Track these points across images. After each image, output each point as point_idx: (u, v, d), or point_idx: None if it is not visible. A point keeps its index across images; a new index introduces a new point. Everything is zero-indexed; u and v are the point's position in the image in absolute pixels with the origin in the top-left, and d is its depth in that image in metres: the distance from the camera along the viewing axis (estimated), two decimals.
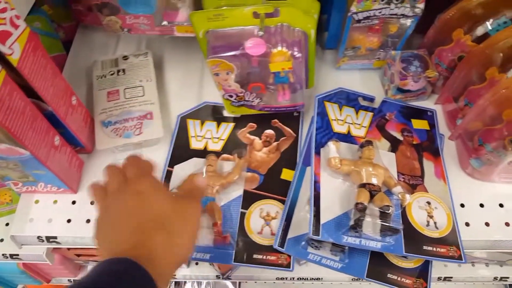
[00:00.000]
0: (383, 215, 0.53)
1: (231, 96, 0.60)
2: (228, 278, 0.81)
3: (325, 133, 0.62)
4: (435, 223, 0.56)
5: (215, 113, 0.67)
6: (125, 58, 0.68)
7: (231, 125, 0.66)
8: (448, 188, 0.59)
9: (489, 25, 0.58)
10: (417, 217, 0.56)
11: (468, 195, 0.61)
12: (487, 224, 0.58)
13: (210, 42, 0.53)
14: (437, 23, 0.63)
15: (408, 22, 0.61)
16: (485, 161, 0.58)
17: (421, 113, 0.66)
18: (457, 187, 0.61)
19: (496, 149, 0.56)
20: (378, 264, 0.56)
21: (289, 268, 0.57)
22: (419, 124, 0.65)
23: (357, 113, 0.65)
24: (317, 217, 0.54)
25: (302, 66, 0.54)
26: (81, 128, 0.61)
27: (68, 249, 0.74)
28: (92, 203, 0.61)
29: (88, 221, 0.59)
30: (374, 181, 0.55)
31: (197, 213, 0.44)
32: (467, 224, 0.58)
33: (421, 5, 0.58)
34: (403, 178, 0.59)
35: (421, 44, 0.68)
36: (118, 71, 0.67)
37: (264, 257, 0.57)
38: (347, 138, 0.62)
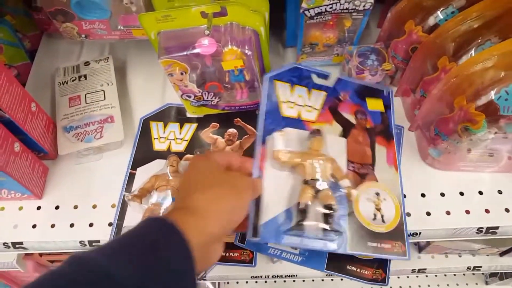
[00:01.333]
0: (327, 214, 0.50)
1: (189, 96, 0.61)
2: (203, 279, 0.81)
3: (274, 118, 0.55)
4: (382, 216, 0.53)
5: (178, 114, 0.68)
6: (87, 64, 0.69)
7: (194, 125, 0.67)
8: (399, 177, 0.57)
9: (440, 14, 0.59)
10: (364, 211, 0.52)
11: (429, 185, 0.61)
12: (447, 212, 0.59)
13: (162, 43, 0.54)
14: (390, 15, 0.63)
15: (361, 16, 0.61)
16: (443, 150, 0.59)
17: (377, 93, 0.63)
18: (418, 178, 0.62)
19: (451, 138, 0.56)
20: (337, 256, 0.56)
21: (252, 264, 0.57)
22: (374, 104, 0.62)
23: (309, 92, 0.59)
24: (258, 217, 0.48)
25: (255, 64, 0.55)
26: (42, 134, 0.62)
27: (40, 255, 0.75)
28: (57, 207, 0.61)
29: (53, 225, 0.60)
30: (318, 177, 0.51)
31: (248, 185, 0.47)
32: (428, 214, 0.59)
33: None
34: (352, 167, 0.55)
35: (378, 38, 0.69)
36: (80, 77, 0.68)
37: (227, 254, 0.58)
38: (297, 123, 0.56)
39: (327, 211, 0.49)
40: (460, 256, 0.85)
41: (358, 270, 0.55)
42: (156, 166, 0.63)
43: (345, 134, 0.58)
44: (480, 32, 0.56)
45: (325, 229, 0.49)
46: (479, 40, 0.56)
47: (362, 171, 0.56)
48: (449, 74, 0.55)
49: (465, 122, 0.53)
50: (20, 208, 0.62)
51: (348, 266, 0.55)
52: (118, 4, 0.58)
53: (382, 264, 0.56)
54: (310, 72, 0.60)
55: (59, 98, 0.66)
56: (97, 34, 0.63)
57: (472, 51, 0.57)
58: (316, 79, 0.60)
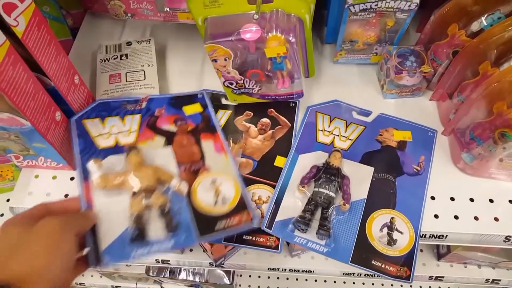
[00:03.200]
0: (164, 214, 0.54)
1: (231, 84, 0.62)
2: (221, 265, 0.81)
3: (90, 152, 0.58)
4: (223, 197, 0.57)
5: (214, 101, 0.68)
6: (129, 44, 0.70)
7: (228, 112, 0.68)
8: (229, 159, 0.61)
9: (484, 20, 0.59)
10: (205, 200, 0.56)
11: (459, 189, 0.61)
12: (476, 218, 0.59)
13: (208, 28, 0.55)
14: (433, 18, 0.64)
15: (404, 16, 0.62)
16: (476, 156, 0.59)
17: (192, 98, 0.67)
18: (448, 181, 0.62)
19: (486, 143, 0.56)
20: (363, 250, 0.56)
21: (277, 250, 0.58)
22: (191, 109, 0.66)
23: (123, 120, 0.62)
24: (96, 246, 0.50)
25: (297, 52, 0.56)
26: (82, 107, 0.63)
27: None
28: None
29: None
30: (143, 183, 0.55)
31: (59, 224, 0.44)
32: (456, 217, 0.59)
33: (417, 1, 0.59)
34: (184, 167, 0.59)
35: (419, 40, 0.69)
36: (121, 56, 0.69)
37: (254, 238, 0.58)
38: (116, 150, 0.59)
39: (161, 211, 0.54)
40: (479, 268, 0.85)
41: (383, 266, 0.56)
42: None
43: (169, 143, 0.62)
44: None
45: (167, 228, 0.53)
46: None
47: (194, 168, 0.59)
48: (490, 79, 0.55)
49: (504, 127, 0.53)
50: (54, 177, 0.63)
51: (373, 260, 0.56)
52: None
53: (408, 261, 0.56)
54: (119, 103, 0.64)
55: (100, 75, 0.68)
56: (143, 14, 0.65)
57: None
58: (128, 106, 0.64)
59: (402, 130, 0.66)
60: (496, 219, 0.59)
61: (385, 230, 0.58)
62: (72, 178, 0.63)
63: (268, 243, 0.58)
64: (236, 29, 0.54)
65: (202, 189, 0.57)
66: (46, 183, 0.63)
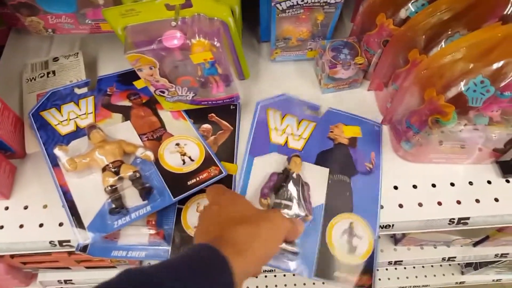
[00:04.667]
0: (135, 182, 0.56)
1: (163, 92, 0.60)
2: None
3: (55, 141, 0.60)
4: (189, 157, 0.60)
5: None
6: (56, 59, 0.67)
7: None
8: (188, 123, 0.63)
9: (411, 7, 0.59)
10: (172, 162, 0.59)
11: (402, 177, 0.62)
12: (420, 204, 0.59)
13: (129, 37, 0.52)
14: (362, 9, 0.63)
15: (332, 9, 0.61)
16: (414, 143, 0.59)
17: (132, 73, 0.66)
18: (390, 170, 0.62)
19: (422, 130, 0.57)
20: (325, 261, 0.56)
21: None
22: (141, 83, 0.66)
23: (77, 104, 0.64)
24: (80, 223, 0.54)
25: (225, 56, 0.54)
26: (9, 132, 0.60)
27: (12, 257, 0.73)
28: (25, 207, 0.60)
29: (21, 226, 0.58)
30: (110, 159, 0.57)
31: (282, 221, 0.47)
32: (400, 206, 0.59)
33: None
34: (146, 137, 0.61)
35: (352, 32, 0.69)
36: (48, 73, 0.66)
37: None
38: (77, 134, 0.61)
39: (132, 178, 0.56)
40: (435, 248, 0.86)
41: (345, 276, 0.56)
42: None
43: (127, 118, 0.63)
44: (449, 24, 0.56)
45: (140, 191, 0.56)
46: (449, 32, 0.56)
47: (156, 135, 0.62)
48: (419, 67, 0.55)
49: (436, 114, 0.54)
50: None
51: (335, 272, 0.56)
52: None
53: (368, 268, 0.56)
54: (69, 89, 0.65)
55: (27, 95, 0.64)
56: (64, 29, 0.62)
57: (442, 43, 0.57)
58: (79, 90, 0.65)
59: (351, 125, 0.65)
60: (439, 203, 0.60)
61: (345, 236, 0.57)
62: (6, 208, 0.60)
63: None
64: (158, 36, 0.52)
65: (168, 152, 0.60)
66: None
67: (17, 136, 0.62)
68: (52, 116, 0.61)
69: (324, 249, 0.56)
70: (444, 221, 0.59)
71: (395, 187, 0.61)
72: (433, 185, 0.61)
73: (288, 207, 0.56)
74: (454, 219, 0.59)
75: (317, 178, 0.60)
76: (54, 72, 0.66)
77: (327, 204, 0.59)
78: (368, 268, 0.56)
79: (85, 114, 0.62)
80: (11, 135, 0.60)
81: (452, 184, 0.61)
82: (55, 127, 0.60)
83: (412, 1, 0.58)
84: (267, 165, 0.61)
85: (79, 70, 0.66)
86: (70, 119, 0.61)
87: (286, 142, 0.64)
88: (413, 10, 0.59)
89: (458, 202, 0.59)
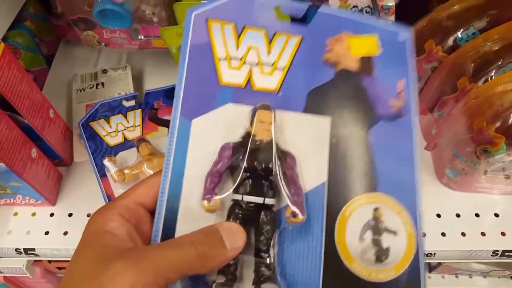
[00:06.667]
0: None
1: None
2: None
3: (103, 152, 0.62)
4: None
5: None
6: (105, 71, 0.69)
7: None
8: None
9: (460, 35, 0.59)
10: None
11: (445, 205, 0.61)
12: (463, 234, 0.59)
13: None
14: None
15: None
16: (460, 171, 0.59)
17: None
18: (433, 197, 0.61)
19: (469, 159, 0.56)
20: (338, 284, 0.33)
21: None
22: None
23: (125, 116, 0.65)
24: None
25: None
26: (59, 141, 0.62)
27: (49, 262, 0.74)
28: (70, 215, 0.61)
29: (65, 233, 0.60)
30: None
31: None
32: (443, 234, 0.58)
33: (392, 18, 0.59)
34: None
35: None
36: (97, 84, 0.68)
37: None
38: (125, 145, 0.62)
39: None
40: (470, 277, 0.85)
41: None
42: None
43: None
44: (501, 54, 0.56)
45: None
46: (500, 63, 0.56)
47: None
48: (469, 95, 0.55)
49: (485, 144, 0.53)
50: (33, 214, 0.62)
51: None
52: (140, 14, 0.58)
53: (412, 282, 0.34)
54: (118, 101, 0.65)
55: (76, 105, 0.66)
56: (117, 43, 0.64)
57: (493, 73, 0.57)
58: (126, 103, 0.66)
59: (361, 35, 0.37)
60: (483, 234, 0.59)
61: (368, 235, 0.34)
62: (52, 214, 0.61)
63: None
64: None
65: None
66: (26, 221, 0.61)
67: (65, 144, 0.64)
68: (101, 127, 0.63)
69: (333, 264, 0.33)
70: (487, 253, 0.58)
71: (438, 215, 0.60)
72: (477, 215, 0.60)
73: (256, 208, 0.33)
74: (498, 251, 0.58)
75: (309, 138, 0.36)
76: (103, 84, 0.68)
77: (332, 184, 0.35)
78: (412, 281, 0.33)
79: (132, 126, 0.64)
80: (60, 143, 0.62)
81: (497, 215, 0.60)
82: (103, 138, 0.62)
83: (462, 29, 0.58)
84: (216, 131, 0.35)
85: (127, 83, 0.68)
86: (118, 131, 0.63)
87: (249, 80, 0.36)
88: (462, 38, 0.59)
89: (503, 234, 0.58)
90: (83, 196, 0.62)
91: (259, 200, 0.33)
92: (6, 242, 0.59)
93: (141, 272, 0.27)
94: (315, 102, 0.36)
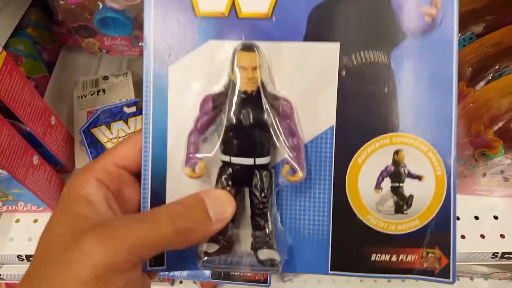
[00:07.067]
0: None
1: None
2: None
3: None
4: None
5: None
6: (106, 78, 0.70)
7: None
8: None
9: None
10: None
11: None
12: (462, 236, 0.59)
13: None
14: None
15: None
16: (458, 174, 0.59)
17: None
18: None
19: (468, 162, 0.57)
20: (350, 242, 0.30)
21: (266, 284, 0.57)
22: None
23: (127, 123, 0.64)
24: None
25: None
26: (60, 147, 0.62)
27: None
28: None
29: None
30: None
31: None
32: None
33: None
34: None
35: None
36: (98, 91, 0.68)
37: (240, 273, 0.58)
38: None
39: None
40: (471, 280, 0.85)
41: (395, 258, 0.30)
42: None
43: None
44: (498, 59, 0.56)
45: None
46: (497, 67, 0.57)
47: None
48: (466, 99, 0.55)
49: (483, 147, 0.54)
50: (35, 221, 0.62)
51: (373, 255, 0.30)
52: (141, 21, 0.59)
53: (440, 233, 0.30)
54: (119, 107, 0.64)
55: (77, 112, 0.67)
56: (117, 50, 0.64)
57: (490, 77, 0.57)
58: (127, 109, 0.64)
59: None
60: (483, 236, 0.59)
61: (387, 184, 0.30)
62: None
63: (256, 277, 0.57)
64: None
65: None
66: (27, 228, 0.61)
67: (67, 151, 0.64)
68: (102, 134, 0.63)
69: (345, 217, 0.30)
70: (487, 255, 0.58)
71: None
72: (476, 218, 0.60)
73: (248, 169, 0.29)
74: (497, 253, 0.58)
75: (313, 74, 0.29)
76: (104, 91, 0.68)
77: (342, 126, 0.30)
78: (440, 232, 0.29)
79: (134, 132, 0.64)
80: (62, 150, 0.62)
81: (496, 218, 0.60)
82: (105, 144, 0.62)
83: (460, 34, 0.59)
84: (197, 78, 0.30)
85: (128, 89, 0.68)
86: (119, 137, 0.63)
87: (233, 5, 0.29)
88: (460, 43, 0.60)
89: (502, 236, 0.59)
90: None
91: (249, 161, 0.29)
92: (8, 249, 0.60)
93: (112, 249, 0.25)
94: (318, 25, 0.29)
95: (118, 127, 0.64)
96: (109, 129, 0.64)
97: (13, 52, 0.69)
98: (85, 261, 0.25)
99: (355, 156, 0.30)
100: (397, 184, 0.30)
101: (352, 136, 0.30)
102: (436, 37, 0.28)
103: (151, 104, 0.30)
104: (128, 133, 0.64)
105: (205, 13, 0.28)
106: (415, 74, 0.29)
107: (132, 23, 0.59)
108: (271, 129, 0.29)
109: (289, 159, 0.29)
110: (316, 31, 0.29)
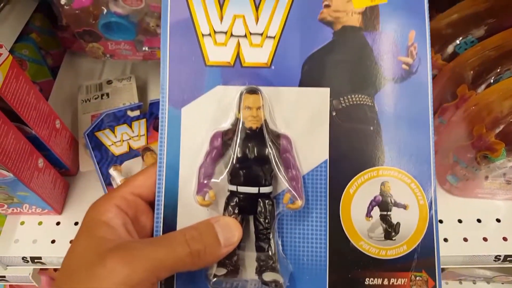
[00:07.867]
0: None
1: None
2: None
3: (108, 161, 0.62)
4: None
5: None
6: (109, 82, 0.70)
7: None
8: None
9: (458, 43, 0.60)
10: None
11: (446, 211, 0.62)
12: (465, 239, 0.59)
13: None
14: None
15: None
16: (461, 177, 0.59)
17: None
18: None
19: (470, 165, 0.57)
20: (345, 266, 0.33)
21: None
22: None
23: (130, 126, 0.65)
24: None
25: None
26: (65, 150, 0.63)
27: (55, 270, 0.75)
28: (76, 223, 0.62)
29: (71, 241, 0.60)
30: None
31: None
32: (445, 240, 0.59)
33: None
34: None
35: None
36: (102, 95, 0.69)
37: None
38: (131, 155, 0.63)
39: None
40: (474, 283, 0.85)
41: (386, 282, 0.33)
42: None
43: None
44: (499, 62, 0.56)
45: None
46: (498, 70, 0.57)
47: None
48: (468, 102, 0.56)
49: (485, 150, 0.54)
50: (40, 223, 0.62)
51: (367, 278, 0.33)
52: (144, 26, 0.59)
53: (425, 257, 0.34)
54: (123, 111, 0.65)
55: (82, 116, 0.68)
56: (121, 55, 0.65)
57: (491, 80, 0.57)
58: (131, 113, 0.65)
59: None
60: (485, 239, 0.59)
61: (376, 213, 0.33)
62: (58, 223, 0.62)
63: None
64: None
65: None
66: (32, 230, 0.62)
67: (71, 154, 0.65)
68: (106, 137, 0.64)
69: (340, 244, 0.33)
70: (489, 258, 0.58)
71: (440, 221, 0.61)
72: (479, 220, 0.61)
73: (252, 198, 0.32)
74: (500, 256, 0.58)
75: (307, 114, 0.34)
76: (108, 95, 0.69)
77: (335, 160, 0.33)
78: (425, 256, 0.33)
79: (137, 136, 0.65)
80: (66, 153, 0.63)
81: (498, 220, 0.60)
82: (109, 148, 0.63)
83: (461, 37, 0.59)
84: (206, 118, 0.33)
85: (132, 93, 0.69)
86: (123, 140, 0.64)
87: (238, 56, 0.33)
88: (462, 46, 0.60)
89: (505, 239, 0.59)
90: (89, 205, 0.63)
91: (254, 190, 0.32)
92: (13, 251, 0.60)
93: (134, 269, 0.28)
94: (311, 73, 0.33)
95: (122, 130, 0.65)
96: (113, 132, 0.64)
97: (17, 57, 0.70)
98: (110, 279, 0.28)
99: (347, 186, 0.33)
100: (385, 213, 0.33)
101: (344, 169, 0.34)
102: (413, 82, 0.33)
103: (165, 140, 0.34)
104: (132, 137, 0.65)
105: (213, 62, 0.34)
106: (396, 114, 0.33)
107: (136, 28, 0.60)
108: (273, 162, 0.33)
109: (290, 188, 0.33)
110: (309, 78, 0.34)
